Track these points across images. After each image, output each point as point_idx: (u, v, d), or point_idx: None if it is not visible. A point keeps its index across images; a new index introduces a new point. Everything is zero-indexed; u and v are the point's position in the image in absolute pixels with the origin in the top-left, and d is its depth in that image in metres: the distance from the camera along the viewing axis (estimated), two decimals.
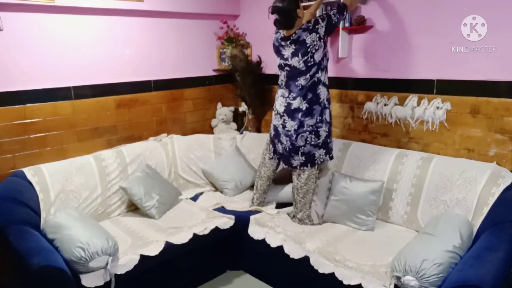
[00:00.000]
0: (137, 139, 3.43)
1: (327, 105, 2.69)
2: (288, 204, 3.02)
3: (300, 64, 2.59)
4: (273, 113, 2.81)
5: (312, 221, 2.79)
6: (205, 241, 2.71)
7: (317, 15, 2.92)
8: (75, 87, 3.02)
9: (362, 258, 2.28)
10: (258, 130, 4.01)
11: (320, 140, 2.67)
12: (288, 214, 2.87)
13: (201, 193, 3.36)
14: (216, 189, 3.43)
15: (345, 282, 2.20)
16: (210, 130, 4.03)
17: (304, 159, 2.70)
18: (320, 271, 2.34)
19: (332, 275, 2.27)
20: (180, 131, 3.75)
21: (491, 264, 1.78)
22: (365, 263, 2.24)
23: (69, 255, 2.10)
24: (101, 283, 2.18)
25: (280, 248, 2.60)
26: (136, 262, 2.35)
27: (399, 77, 2.94)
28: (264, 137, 3.13)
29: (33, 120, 2.83)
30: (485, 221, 2.24)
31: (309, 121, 2.63)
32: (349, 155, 3.03)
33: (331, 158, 2.81)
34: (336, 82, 3.32)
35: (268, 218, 2.82)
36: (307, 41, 2.55)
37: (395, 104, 2.96)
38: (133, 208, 3.04)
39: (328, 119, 2.71)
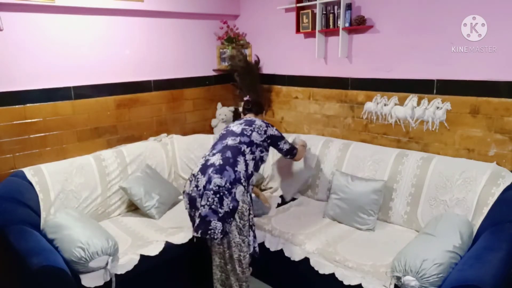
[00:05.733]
0: (137, 139, 3.43)
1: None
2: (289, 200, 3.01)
3: (238, 129, 2.47)
4: None
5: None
6: (205, 241, 2.71)
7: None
8: (75, 87, 3.02)
9: (362, 258, 2.28)
10: None
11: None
12: None
13: None
14: None
15: (346, 283, 2.20)
16: (210, 130, 4.03)
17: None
18: (321, 271, 2.34)
19: (332, 275, 2.27)
20: (180, 131, 3.75)
21: (491, 264, 1.78)
22: (365, 263, 2.24)
23: (69, 255, 2.10)
24: (101, 283, 2.18)
25: (280, 250, 2.60)
26: (136, 262, 2.35)
27: (399, 77, 2.93)
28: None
29: (33, 120, 2.83)
30: (485, 221, 2.24)
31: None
32: (349, 155, 3.03)
33: None
34: (336, 82, 3.32)
35: (266, 220, 2.82)
36: (253, 138, 2.42)
37: (395, 104, 2.96)
38: (133, 208, 3.04)
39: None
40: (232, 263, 2.32)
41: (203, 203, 2.19)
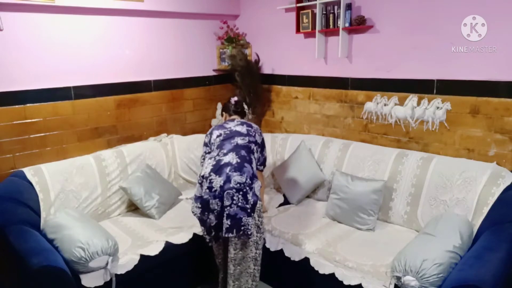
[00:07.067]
0: (137, 139, 3.43)
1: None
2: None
3: (243, 129, 2.50)
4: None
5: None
6: (205, 241, 2.71)
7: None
8: (75, 87, 3.02)
9: (362, 258, 2.28)
10: None
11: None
12: None
13: None
14: None
15: (346, 283, 2.20)
16: None
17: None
18: (321, 271, 2.34)
19: (332, 275, 2.27)
20: (180, 131, 3.75)
21: (491, 264, 1.78)
22: (365, 263, 2.24)
23: (69, 255, 2.10)
24: (101, 283, 2.18)
25: (280, 250, 2.60)
26: (136, 262, 2.35)
27: (399, 77, 2.93)
28: (264, 137, 3.11)
29: (33, 120, 2.83)
30: (485, 221, 2.24)
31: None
32: (349, 155, 3.03)
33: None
34: (336, 82, 3.32)
35: (266, 220, 2.81)
36: (257, 139, 2.52)
37: (395, 104, 2.95)
38: (133, 208, 3.04)
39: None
40: (247, 263, 2.31)
41: (227, 203, 2.15)
